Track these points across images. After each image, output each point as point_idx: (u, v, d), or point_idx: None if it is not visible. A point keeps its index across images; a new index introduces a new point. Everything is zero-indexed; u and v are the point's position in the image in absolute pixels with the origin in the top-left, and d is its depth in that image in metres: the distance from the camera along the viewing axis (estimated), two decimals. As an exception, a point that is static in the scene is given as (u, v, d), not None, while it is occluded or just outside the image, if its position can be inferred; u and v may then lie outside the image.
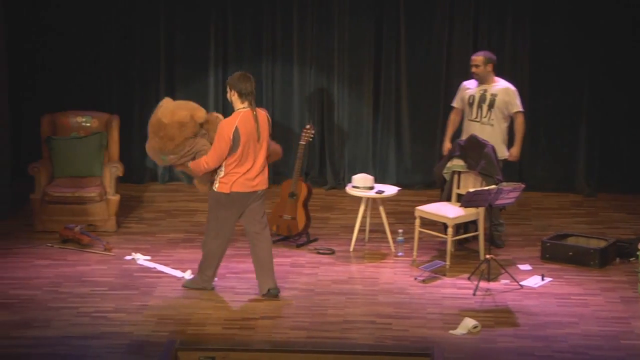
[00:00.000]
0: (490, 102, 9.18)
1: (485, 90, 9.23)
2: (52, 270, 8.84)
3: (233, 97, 8.02)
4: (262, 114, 8.12)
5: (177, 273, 8.78)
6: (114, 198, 9.79)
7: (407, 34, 10.92)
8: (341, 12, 10.90)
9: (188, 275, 8.70)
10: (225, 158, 8.01)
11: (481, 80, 9.25)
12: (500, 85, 9.23)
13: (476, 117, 9.27)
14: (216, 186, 8.11)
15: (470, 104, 9.31)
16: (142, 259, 9.10)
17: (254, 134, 7.98)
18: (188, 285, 8.49)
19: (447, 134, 9.50)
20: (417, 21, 10.91)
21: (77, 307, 8.09)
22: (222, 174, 8.06)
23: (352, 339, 7.58)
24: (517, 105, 9.20)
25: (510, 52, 10.81)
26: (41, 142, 10.13)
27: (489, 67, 9.20)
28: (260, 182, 8.19)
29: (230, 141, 7.92)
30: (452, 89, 10.96)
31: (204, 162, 8.03)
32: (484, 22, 10.85)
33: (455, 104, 9.48)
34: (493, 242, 9.19)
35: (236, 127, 7.92)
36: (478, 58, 9.24)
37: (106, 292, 8.39)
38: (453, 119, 9.49)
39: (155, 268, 8.92)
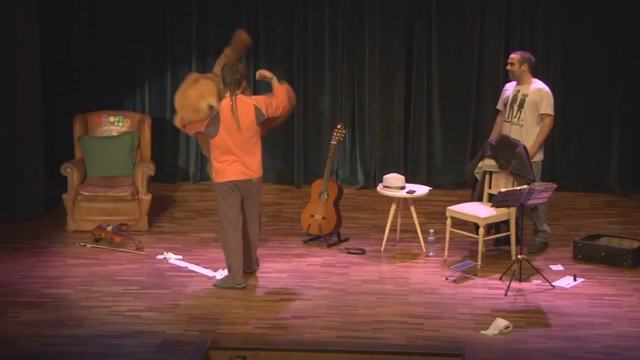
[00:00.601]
0: (520, 102, 9.14)
1: (519, 91, 9.19)
2: (84, 269, 8.90)
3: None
4: (247, 102, 8.29)
5: (209, 272, 8.81)
6: (146, 197, 9.84)
7: (438, 34, 10.89)
8: (372, 12, 10.89)
9: (219, 274, 8.73)
10: (202, 134, 8.35)
11: (518, 80, 9.20)
12: (534, 86, 9.17)
13: (508, 117, 9.24)
14: (213, 177, 8.41)
15: (505, 104, 9.27)
16: (173, 258, 9.14)
17: (233, 123, 8.23)
18: (218, 284, 8.54)
19: (492, 136, 9.43)
20: (449, 21, 10.88)
21: (110, 306, 8.14)
22: (213, 162, 8.35)
23: (383, 339, 7.58)
24: (546, 107, 9.11)
25: (542, 52, 10.74)
26: (73, 142, 10.20)
27: (524, 67, 9.13)
28: (255, 169, 8.40)
29: (207, 118, 8.24)
30: (483, 89, 10.97)
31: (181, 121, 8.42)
32: (515, 23, 10.80)
33: (499, 106, 9.44)
34: (533, 248, 9.19)
35: (218, 112, 8.23)
36: (514, 57, 9.19)
37: (138, 291, 8.43)
38: (497, 121, 9.44)
39: (186, 267, 8.96)
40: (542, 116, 9.13)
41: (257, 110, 8.33)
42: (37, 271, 8.85)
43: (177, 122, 8.42)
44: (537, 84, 9.19)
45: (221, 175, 8.35)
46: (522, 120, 9.14)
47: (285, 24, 10.99)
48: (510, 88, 9.31)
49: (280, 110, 8.46)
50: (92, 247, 9.41)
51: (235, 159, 8.29)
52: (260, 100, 8.41)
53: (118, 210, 9.78)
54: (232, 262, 8.48)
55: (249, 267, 8.71)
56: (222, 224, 8.47)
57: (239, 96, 8.27)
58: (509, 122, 9.22)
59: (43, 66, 10.14)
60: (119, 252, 9.30)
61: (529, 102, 9.11)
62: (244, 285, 8.48)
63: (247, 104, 8.31)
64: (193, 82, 8.38)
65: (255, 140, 8.37)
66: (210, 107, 8.24)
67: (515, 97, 9.19)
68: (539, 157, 9.19)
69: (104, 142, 10.14)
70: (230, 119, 8.23)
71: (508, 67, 9.21)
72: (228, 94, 8.27)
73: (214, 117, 8.24)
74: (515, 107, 9.16)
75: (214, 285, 8.54)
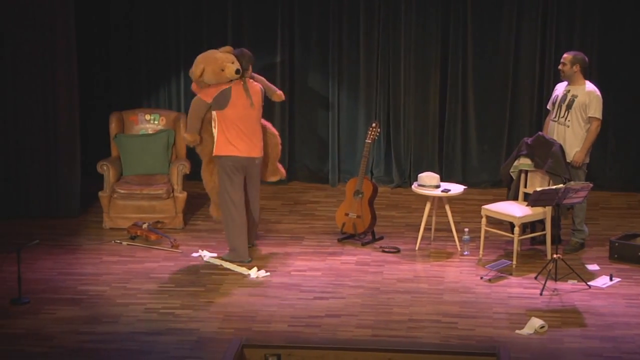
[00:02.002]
0: (569, 103, 9.05)
1: (569, 91, 9.10)
2: (120, 267, 8.95)
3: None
4: (255, 84, 9.00)
5: (243, 271, 8.84)
6: (181, 195, 9.88)
7: (473, 32, 10.85)
8: (408, 11, 10.87)
9: (254, 273, 8.76)
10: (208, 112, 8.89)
11: (569, 81, 9.10)
12: (585, 88, 9.07)
13: (555, 117, 9.15)
14: (214, 149, 8.88)
15: (554, 103, 9.19)
16: (208, 256, 9.18)
17: (246, 101, 8.80)
18: (226, 258, 9.03)
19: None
20: (484, 19, 10.83)
21: (145, 303, 8.19)
22: (218, 135, 8.82)
23: (418, 338, 7.57)
24: (594, 111, 9.01)
25: (579, 50, 10.64)
26: (109, 139, 10.26)
27: (576, 68, 9.04)
28: (259, 149, 8.95)
29: (225, 83, 8.80)
30: (519, 88, 10.92)
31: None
32: (552, 21, 10.73)
33: (549, 105, 9.37)
34: (569, 247, 9.15)
35: (230, 88, 8.78)
36: (567, 57, 9.07)
37: (173, 289, 8.47)
38: (547, 121, 9.36)
39: (221, 265, 8.99)
40: (590, 119, 9.04)
41: (262, 91, 9.04)
42: (73, 268, 8.92)
43: (197, 72, 8.77)
44: (589, 86, 9.09)
45: (226, 148, 8.80)
46: (569, 121, 9.05)
47: (321, 23, 10.99)
48: (560, 88, 9.21)
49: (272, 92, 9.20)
50: (128, 244, 9.47)
51: (242, 136, 8.80)
52: (262, 83, 9.19)
53: (153, 208, 9.83)
54: (235, 242, 8.96)
55: (250, 242, 9.21)
56: (226, 205, 8.91)
57: (247, 78, 8.89)
58: (555, 121, 9.13)
59: (80, 65, 10.21)
60: (154, 249, 9.35)
61: (577, 104, 9.02)
62: (250, 259, 8.96)
63: (256, 86, 8.98)
64: (221, 51, 8.91)
65: (260, 120, 8.95)
66: (237, 71, 8.71)
67: (564, 97, 9.09)
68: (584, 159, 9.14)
69: (139, 140, 10.19)
70: (243, 98, 8.79)
71: (560, 67, 9.09)
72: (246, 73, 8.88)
73: (224, 92, 8.76)
74: (564, 108, 9.07)
75: (221, 259, 9.00)
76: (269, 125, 9.29)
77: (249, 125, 8.82)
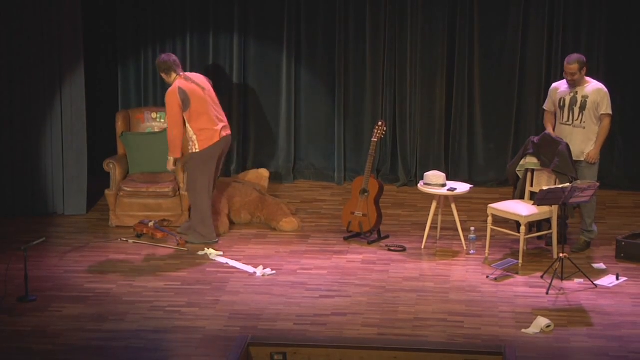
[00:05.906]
0: (581, 105, 9.00)
1: (577, 93, 9.05)
2: (126, 265, 8.96)
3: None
4: (195, 74, 9.49)
5: (249, 269, 8.85)
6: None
7: (480, 31, 10.84)
8: (414, 9, 10.86)
9: (260, 271, 8.76)
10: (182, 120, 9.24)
11: (574, 84, 9.07)
12: (592, 87, 9.01)
13: (567, 121, 9.08)
14: (196, 147, 9.21)
15: (562, 107, 9.10)
16: (214, 255, 9.18)
17: (196, 87, 9.17)
18: (192, 241, 9.33)
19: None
20: (491, 18, 10.83)
21: (151, 301, 8.20)
22: (197, 135, 9.19)
23: (423, 337, 7.57)
24: (605, 107, 8.99)
25: (586, 48, 10.66)
26: (115, 137, 10.27)
27: (583, 72, 9.00)
28: (228, 127, 9.42)
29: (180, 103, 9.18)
30: (525, 87, 10.91)
31: (169, 133, 9.29)
32: (558, 20, 10.72)
33: (546, 106, 9.29)
34: (576, 246, 9.14)
35: (182, 89, 9.12)
36: (573, 67, 8.90)
37: (179, 287, 8.48)
38: (549, 119, 9.22)
39: (227, 263, 9.00)
40: (602, 116, 9.00)
41: (206, 78, 9.41)
42: (79, 266, 8.94)
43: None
44: (595, 84, 9.04)
45: (211, 137, 9.18)
46: (584, 122, 9.01)
47: (327, 21, 10.98)
48: (562, 88, 9.12)
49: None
50: (134, 242, 9.48)
51: (216, 120, 9.19)
52: None
53: (160, 206, 9.84)
54: (203, 228, 9.28)
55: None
56: (196, 193, 9.25)
57: (184, 73, 9.27)
58: (569, 125, 9.04)
59: (87, 62, 10.22)
60: (160, 247, 9.36)
61: (590, 104, 8.96)
62: (217, 240, 9.34)
63: (197, 75, 9.38)
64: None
65: (217, 102, 9.35)
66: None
67: (574, 99, 9.01)
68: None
69: (146, 138, 10.21)
70: (192, 86, 9.14)
71: (569, 78, 8.95)
72: (173, 75, 9.21)
73: (183, 95, 9.07)
74: (576, 110, 9.01)
75: (187, 242, 9.31)
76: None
77: (215, 104, 9.26)
